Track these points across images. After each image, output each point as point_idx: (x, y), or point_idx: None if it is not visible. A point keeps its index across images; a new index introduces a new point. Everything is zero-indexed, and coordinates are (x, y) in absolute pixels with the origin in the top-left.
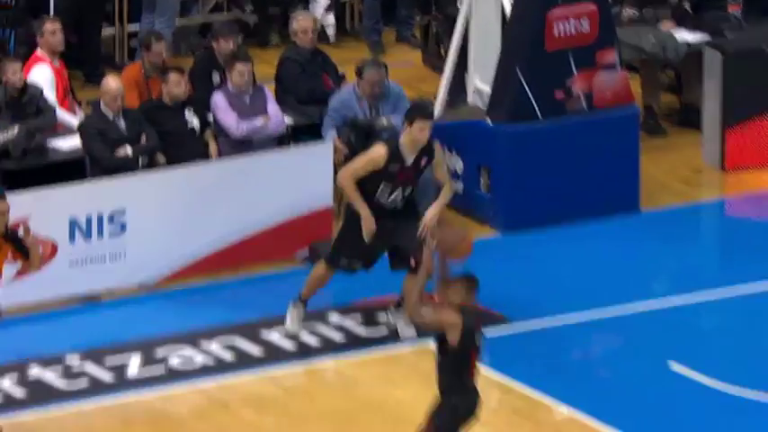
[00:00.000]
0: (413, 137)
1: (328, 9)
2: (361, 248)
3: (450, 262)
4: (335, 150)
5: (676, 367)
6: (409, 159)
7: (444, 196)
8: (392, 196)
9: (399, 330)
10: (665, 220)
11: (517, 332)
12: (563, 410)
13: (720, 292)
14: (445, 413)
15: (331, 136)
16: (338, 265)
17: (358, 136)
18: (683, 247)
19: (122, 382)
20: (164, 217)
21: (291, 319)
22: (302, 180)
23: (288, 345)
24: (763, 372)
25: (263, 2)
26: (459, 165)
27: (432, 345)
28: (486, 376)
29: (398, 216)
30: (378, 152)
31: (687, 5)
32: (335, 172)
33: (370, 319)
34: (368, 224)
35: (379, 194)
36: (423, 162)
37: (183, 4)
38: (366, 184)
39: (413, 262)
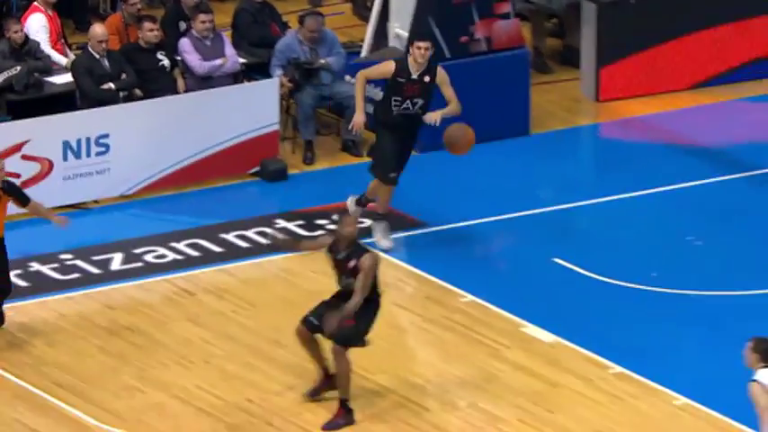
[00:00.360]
0: (414, 56)
1: None
2: (394, 161)
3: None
4: (281, 85)
5: (559, 261)
6: (414, 75)
7: (450, 108)
8: (404, 106)
9: (377, 242)
10: (551, 141)
11: (431, 233)
12: (467, 296)
13: (596, 200)
14: (370, 312)
15: (277, 74)
16: (389, 179)
17: (300, 74)
18: (565, 164)
19: (107, 275)
20: (141, 140)
21: (382, 235)
22: (253, 110)
23: (242, 243)
24: (629, 264)
25: None
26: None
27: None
28: (405, 269)
29: (410, 128)
30: (388, 64)
31: None
32: (281, 104)
33: (309, 223)
34: (357, 118)
35: (394, 106)
36: (426, 79)
37: None
38: (385, 101)
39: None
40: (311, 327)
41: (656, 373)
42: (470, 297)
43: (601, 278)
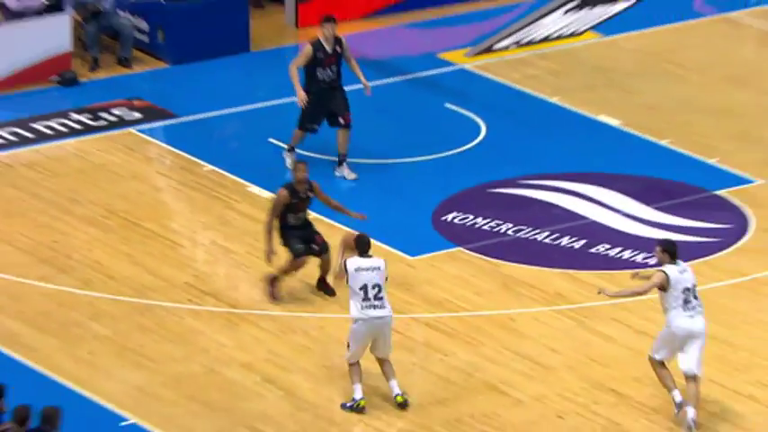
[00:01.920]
0: (324, 34)
1: None
2: (314, 115)
3: None
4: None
5: (273, 140)
6: (329, 49)
7: (355, 63)
8: (325, 73)
9: (346, 176)
10: (269, 58)
11: (182, 122)
12: (207, 166)
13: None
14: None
15: (70, 12)
16: (305, 128)
17: (85, 11)
18: (276, 72)
19: None
20: None
21: (289, 163)
22: (53, 36)
23: (47, 131)
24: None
25: None
26: (145, 25)
27: None
28: (164, 147)
29: (334, 90)
30: (307, 48)
31: None
32: (73, 32)
33: (95, 115)
34: (300, 95)
35: (318, 75)
36: (337, 49)
37: None
38: (309, 71)
39: (342, 120)
40: (304, 253)
41: None
42: (210, 167)
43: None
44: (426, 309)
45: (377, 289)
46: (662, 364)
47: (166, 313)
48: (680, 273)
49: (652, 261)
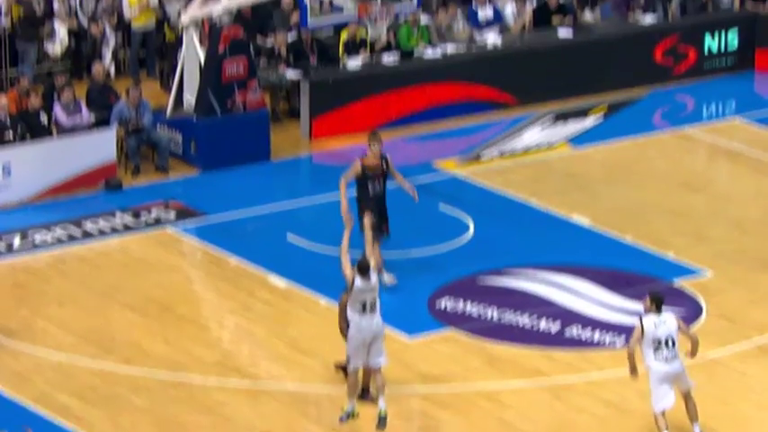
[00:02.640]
0: (372, 151)
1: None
2: (378, 223)
3: None
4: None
5: (291, 238)
6: (375, 165)
7: (405, 181)
8: (374, 187)
9: (386, 281)
10: (287, 166)
11: (213, 222)
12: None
13: (315, 199)
14: None
15: (114, 127)
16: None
17: (126, 127)
18: (290, 175)
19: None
20: (35, 164)
21: (387, 279)
22: (99, 148)
23: (94, 230)
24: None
25: None
26: (179, 137)
27: None
28: (195, 244)
29: (380, 202)
30: (356, 164)
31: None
32: (117, 144)
33: (136, 215)
34: (343, 209)
35: (369, 189)
36: (383, 165)
37: None
38: (361, 184)
39: (386, 230)
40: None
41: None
42: (235, 260)
43: (322, 247)
44: (422, 383)
45: (373, 303)
46: (662, 414)
47: (196, 387)
48: (654, 325)
49: (619, 342)
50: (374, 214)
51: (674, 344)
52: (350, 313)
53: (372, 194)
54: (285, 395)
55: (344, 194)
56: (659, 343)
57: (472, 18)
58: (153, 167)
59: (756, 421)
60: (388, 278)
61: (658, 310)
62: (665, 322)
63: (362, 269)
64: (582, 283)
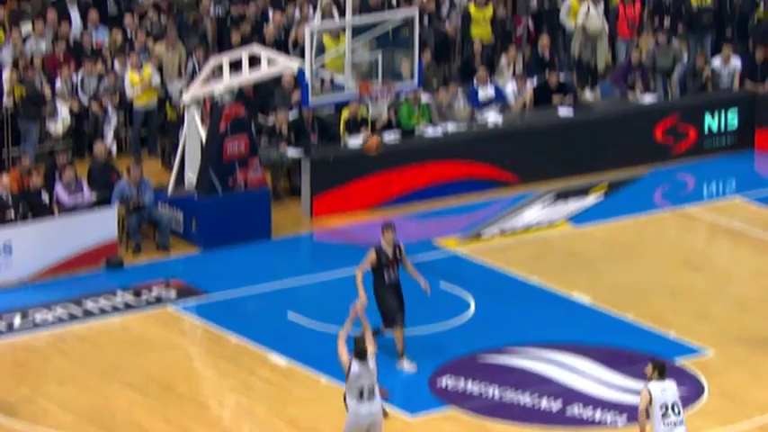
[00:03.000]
0: (386, 240)
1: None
2: (394, 311)
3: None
4: (118, 212)
5: (292, 316)
6: (389, 254)
7: (419, 274)
8: (389, 276)
9: (406, 368)
10: (288, 244)
11: (214, 300)
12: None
13: (316, 277)
14: None
15: (115, 206)
16: (392, 325)
17: (127, 206)
18: (291, 253)
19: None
20: (38, 243)
21: (408, 367)
22: (102, 228)
23: (95, 309)
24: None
25: None
26: (180, 216)
27: None
28: (195, 323)
29: (397, 289)
30: (371, 254)
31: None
32: (118, 223)
33: (137, 293)
34: (360, 297)
35: (385, 277)
36: (397, 253)
37: None
38: (377, 273)
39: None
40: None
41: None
42: (236, 338)
43: (322, 325)
44: None
45: (371, 389)
46: None
47: None
48: (661, 391)
49: (620, 421)
50: (395, 301)
51: (680, 410)
52: (348, 399)
53: (389, 282)
54: None
55: (361, 284)
56: (667, 408)
57: (473, 97)
58: (154, 246)
59: None
60: (408, 366)
61: (661, 376)
62: (670, 388)
63: (360, 354)
64: (583, 362)
